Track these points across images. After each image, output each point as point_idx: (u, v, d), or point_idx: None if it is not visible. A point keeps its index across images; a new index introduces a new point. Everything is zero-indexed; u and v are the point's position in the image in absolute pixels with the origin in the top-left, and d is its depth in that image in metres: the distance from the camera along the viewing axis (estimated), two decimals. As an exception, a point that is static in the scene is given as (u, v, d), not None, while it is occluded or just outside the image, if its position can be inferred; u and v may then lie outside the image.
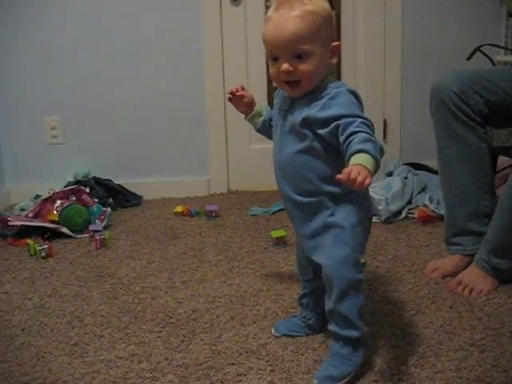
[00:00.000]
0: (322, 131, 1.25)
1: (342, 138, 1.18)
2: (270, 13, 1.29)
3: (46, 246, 2.18)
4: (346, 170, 1.08)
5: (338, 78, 3.03)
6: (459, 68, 1.93)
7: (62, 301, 1.79)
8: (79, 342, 1.53)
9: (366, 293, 1.72)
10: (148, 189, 2.98)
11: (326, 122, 1.22)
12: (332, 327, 1.35)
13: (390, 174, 2.81)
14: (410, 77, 3.07)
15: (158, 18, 2.90)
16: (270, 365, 1.38)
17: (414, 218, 2.49)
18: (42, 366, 1.42)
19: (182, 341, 1.52)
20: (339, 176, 1.08)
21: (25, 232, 2.35)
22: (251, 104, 1.52)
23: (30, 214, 2.48)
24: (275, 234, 2.21)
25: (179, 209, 2.69)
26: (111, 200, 2.82)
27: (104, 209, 2.58)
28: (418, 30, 3.04)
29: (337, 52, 1.30)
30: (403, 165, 2.84)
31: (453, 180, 1.91)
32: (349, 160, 1.12)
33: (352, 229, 1.31)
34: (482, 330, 1.52)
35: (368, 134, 1.15)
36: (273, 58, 1.28)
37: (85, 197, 2.58)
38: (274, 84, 1.37)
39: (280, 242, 2.20)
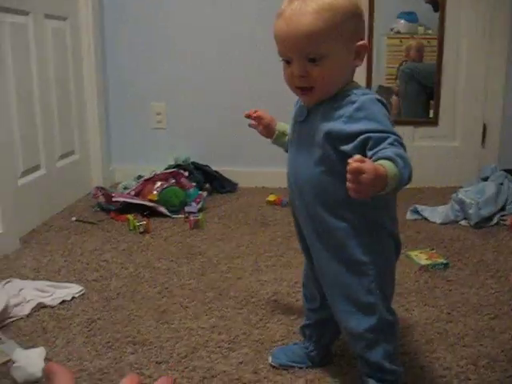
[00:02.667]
0: (346, 147, 1.06)
1: (369, 153, 1.00)
2: (282, 6, 1.10)
3: (144, 223, 2.34)
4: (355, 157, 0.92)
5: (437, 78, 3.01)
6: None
7: (154, 272, 1.93)
8: (166, 310, 1.66)
9: (445, 293, 1.75)
10: (244, 177, 3.09)
11: (353, 137, 1.04)
12: (364, 369, 1.22)
13: (485, 179, 2.75)
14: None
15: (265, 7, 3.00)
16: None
17: (505, 225, 2.44)
18: (132, 327, 1.56)
19: (261, 319, 1.61)
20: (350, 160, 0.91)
21: (126, 208, 2.53)
22: (270, 125, 1.34)
23: (132, 193, 2.66)
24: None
25: (272, 198, 2.79)
26: (208, 185, 2.96)
27: (200, 192, 2.72)
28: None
29: (363, 53, 1.11)
30: (501, 171, 2.78)
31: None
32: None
33: (379, 271, 1.14)
34: (562, 341, 1.50)
35: (403, 152, 0.99)
36: (285, 59, 1.11)
37: (183, 180, 2.73)
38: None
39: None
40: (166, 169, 2.85)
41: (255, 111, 1.35)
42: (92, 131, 3.00)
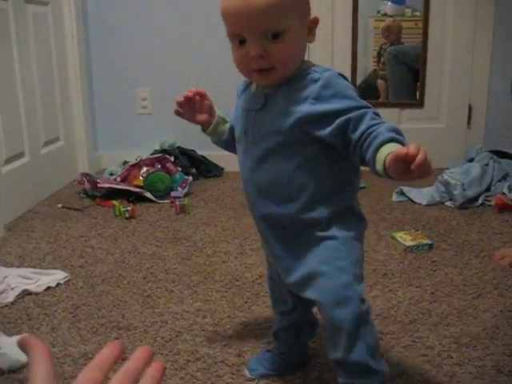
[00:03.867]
0: (322, 132, 0.97)
1: (354, 135, 0.93)
2: None
3: (129, 208, 2.34)
4: (404, 148, 0.81)
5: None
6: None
7: (140, 258, 1.93)
8: (151, 295, 1.66)
9: (429, 273, 1.77)
10: (230, 161, 3.06)
11: (327, 118, 0.95)
12: (344, 380, 1.08)
13: (471, 160, 2.77)
14: (500, 62, 2.99)
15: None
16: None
17: (490, 205, 2.46)
18: (117, 312, 1.56)
19: (246, 302, 1.61)
20: (403, 151, 0.80)
21: (112, 194, 2.53)
22: (212, 108, 1.18)
23: (118, 179, 2.65)
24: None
25: (257, 182, 2.78)
26: (194, 170, 2.95)
27: (186, 177, 2.71)
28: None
29: (315, 28, 1.03)
30: (486, 152, 2.79)
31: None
32: (375, 154, 0.88)
33: (350, 244, 1.05)
34: (543, 318, 1.52)
35: (393, 125, 0.92)
36: (237, 39, 0.98)
37: (169, 165, 2.73)
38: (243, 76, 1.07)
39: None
40: (152, 154, 2.84)
41: (195, 89, 1.16)
42: (77, 117, 2.98)
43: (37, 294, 1.67)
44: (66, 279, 1.76)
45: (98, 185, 2.55)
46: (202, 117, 1.16)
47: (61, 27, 2.81)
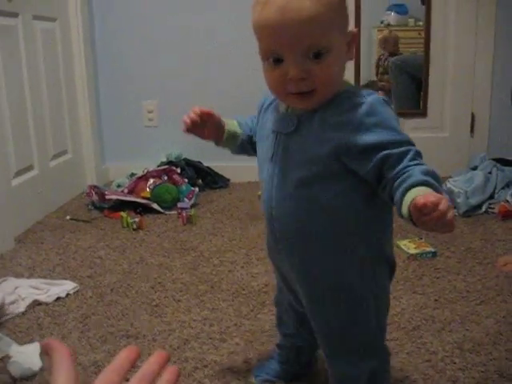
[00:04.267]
0: (361, 168, 0.88)
1: (389, 174, 0.85)
2: None
3: (137, 220, 2.38)
4: (423, 198, 0.74)
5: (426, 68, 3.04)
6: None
7: (147, 268, 1.97)
8: (159, 304, 1.69)
9: (432, 280, 1.79)
10: (236, 172, 3.12)
11: (367, 151, 0.86)
12: None
13: (474, 169, 2.79)
14: (503, 69, 3.02)
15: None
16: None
17: (494, 213, 2.48)
18: (126, 321, 1.59)
19: (252, 310, 1.64)
20: (421, 201, 0.73)
21: (119, 206, 2.57)
22: (220, 124, 1.12)
23: (125, 190, 2.69)
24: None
25: (262, 192, 2.81)
26: (200, 181, 2.99)
27: (192, 188, 2.74)
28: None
29: (354, 44, 0.93)
30: (489, 160, 2.81)
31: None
32: (403, 196, 0.81)
33: (377, 296, 1.02)
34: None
35: (430, 168, 0.85)
36: (273, 57, 0.88)
37: (176, 177, 2.76)
38: (272, 95, 0.99)
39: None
40: (159, 166, 2.88)
41: (200, 109, 1.08)
42: (84, 130, 3.02)
43: (47, 304, 1.71)
44: (76, 289, 1.80)
45: (106, 197, 2.58)
46: (212, 133, 1.11)
47: (68, 42, 2.86)
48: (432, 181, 0.81)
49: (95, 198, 2.63)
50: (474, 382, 1.29)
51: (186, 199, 2.66)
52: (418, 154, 0.87)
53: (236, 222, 2.45)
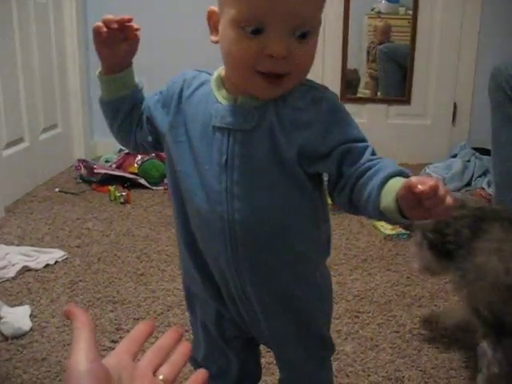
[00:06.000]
0: (317, 165, 0.79)
1: (349, 170, 0.76)
2: None
3: (124, 194, 2.44)
4: (420, 182, 0.63)
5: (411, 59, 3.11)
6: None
7: (134, 239, 2.04)
8: (145, 273, 1.77)
9: (406, 259, 1.88)
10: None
11: (333, 149, 0.77)
12: None
13: (454, 157, 2.89)
14: (486, 61, 3.09)
15: None
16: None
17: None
18: (112, 288, 1.67)
19: (233, 282, 1.72)
20: (420, 187, 0.62)
21: (107, 180, 2.62)
22: (133, 52, 0.88)
23: (114, 166, 2.75)
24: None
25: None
26: (187, 159, 3.04)
27: (179, 166, 2.80)
28: (498, 9, 3.02)
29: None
30: (469, 148, 2.90)
31: (504, 162, 1.99)
32: (379, 189, 0.70)
33: (327, 305, 0.94)
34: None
35: (391, 159, 0.76)
36: (253, 26, 0.71)
37: (163, 153, 2.81)
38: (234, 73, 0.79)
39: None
40: (147, 143, 2.93)
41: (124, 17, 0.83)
42: (74, 106, 3.07)
43: (36, 270, 1.77)
44: (64, 258, 1.86)
45: (95, 170, 2.64)
46: (121, 50, 0.86)
47: (60, 16, 2.89)
48: (407, 171, 0.72)
49: (84, 171, 2.68)
50: (438, 351, 1.39)
51: (172, 176, 2.72)
52: (373, 150, 0.78)
53: (221, 200, 2.52)
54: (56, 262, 1.83)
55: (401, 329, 1.49)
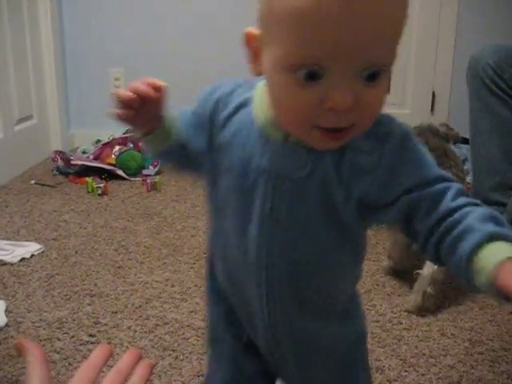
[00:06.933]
0: (378, 217, 0.66)
1: (426, 222, 0.61)
2: None
3: (102, 185, 2.41)
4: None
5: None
6: (499, 43, 2.00)
7: (111, 232, 2.01)
8: (123, 266, 1.74)
9: (386, 249, 1.88)
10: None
11: (394, 200, 0.64)
12: None
13: (432, 145, 2.89)
14: (464, 49, 3.09)
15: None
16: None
17: (448, 187, 2.57)
18: (90, 281, 1.65)
19: (212, 273, 1.71)
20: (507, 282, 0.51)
21: (84, 171, 2.59)
22: (162, 107, 0.70)
23: (91, 157, 2.71)
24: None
25: (227, 162, 2.86)
26: (165, 149, 3.01)
27: (158, 156, 2.77)
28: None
29: None
30: (447, 137, 2.91)
31: (482, 150, 2.00)
32: (469, 263, 0.56)
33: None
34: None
35: (481, 207, 0.60)
36: (308, 70, 0.54)
37: (141, 144, 2.78)
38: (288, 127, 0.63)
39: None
40: (124, 133, 2.89)
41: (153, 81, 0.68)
42: (50, 96, 3.01)
43: (12, 264, 1.74)
44: (40, 251, 1.83)
45: (72, 162, 2.60)
46: (155, 113, 0.70)
47: (34, 4, 2.83)
48: (500, 230, 0.57)
49: (60, 163, 2.64)
50: (418, 340, 1.40)
51: (150, 166, 2.69)
52: (462, 192, 0.62)
53: (199, 190, 2.48)
54: (32, 256, 1.80)
55: (381, 318, 1.49)
